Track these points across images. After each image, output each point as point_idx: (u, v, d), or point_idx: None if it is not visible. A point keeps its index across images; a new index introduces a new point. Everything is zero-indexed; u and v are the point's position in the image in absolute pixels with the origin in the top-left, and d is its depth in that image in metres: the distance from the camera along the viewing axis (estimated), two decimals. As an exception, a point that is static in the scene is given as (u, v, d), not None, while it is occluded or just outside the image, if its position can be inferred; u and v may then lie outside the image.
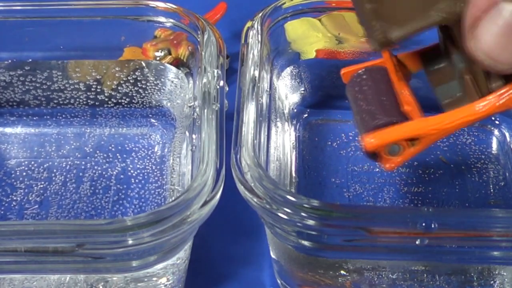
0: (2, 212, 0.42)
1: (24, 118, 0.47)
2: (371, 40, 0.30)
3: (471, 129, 0.46)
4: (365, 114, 0.34)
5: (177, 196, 0.33)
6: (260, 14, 0.42)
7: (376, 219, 0.33)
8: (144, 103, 0.47)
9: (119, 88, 0.46)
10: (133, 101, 0.47)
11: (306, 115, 0.47)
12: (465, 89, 0.32)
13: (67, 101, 0.47)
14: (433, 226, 0.32)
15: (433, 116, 0.32)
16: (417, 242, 0.33)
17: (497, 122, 0.46)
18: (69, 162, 0.45)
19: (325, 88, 0.47)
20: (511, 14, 0.23)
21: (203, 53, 0.40)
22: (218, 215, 0.35)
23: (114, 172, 0.44)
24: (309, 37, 0.45)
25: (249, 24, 0.41)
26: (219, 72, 0.39)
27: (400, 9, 0.29)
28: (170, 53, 0.45)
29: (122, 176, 0.44)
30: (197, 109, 0.38)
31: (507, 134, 0.46)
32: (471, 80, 0.32)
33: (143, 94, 0.46)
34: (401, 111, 0.34)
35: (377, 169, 0.44)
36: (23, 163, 0.45)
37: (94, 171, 0.44)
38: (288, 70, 0.45)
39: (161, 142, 0.46)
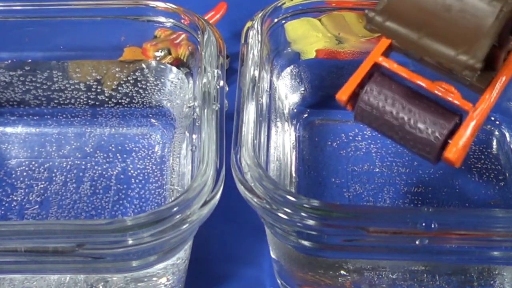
0: (2, 212, 0.42)
1: (25, 118, 0.47)
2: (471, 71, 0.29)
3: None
4: (416, 130, 0.31)
5: (177, 196, 0.33)
6: (260, 14, 0.42)
7: (376, 219, 0.33)
8: (144, 103, 0.47)
9: (119, 88, 0.46)
10: (133, 101, 0.47)
11: (306, 115, 0.47)
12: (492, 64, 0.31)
13: (68, 101, 0.47)
14: (433, 226, 0.32)
15: (481, 100, 0.31)
16: (417, 242, 0.33)
17: (497, 122, 0.46)
18: (70, 162, 0.45)
19: (325, 88, 0.47)
20: None
21: (203, 53, 0.40)
22: (218, 215, 0.35)
23: (114, 172, 0.44)
24: (309, 37, 0.45)
25: (249, 24, 0.41)
26: (219, 72, 0.39)
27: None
28: (170, 53, 0.45)
29: (122, 176, 0.44)
30: (197, 109, 0.38)
31: (507, 134, 0.46)
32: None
33: (143, 94, 0.46)
34: (440, 105, 0.31)
35: (377, 169, 0.44)
36: (23, 163, 0.45)
37: (94, 171, 0.44)
38: (288, 70, 0.45)
39: (161, 142, 0.46)
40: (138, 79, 0.46)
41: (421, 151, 0.32)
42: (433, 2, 0.29)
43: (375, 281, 0.38)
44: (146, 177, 0.44)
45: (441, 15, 0.29)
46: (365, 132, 0.46)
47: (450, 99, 0.32)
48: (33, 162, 0.45)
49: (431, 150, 0.32)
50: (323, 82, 0.47)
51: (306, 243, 0.34)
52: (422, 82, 0.32)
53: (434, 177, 0.44)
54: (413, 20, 0.29)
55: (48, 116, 0.47)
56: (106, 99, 0.47)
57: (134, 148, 0.46)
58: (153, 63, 0.45)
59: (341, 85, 0.36)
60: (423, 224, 0.32)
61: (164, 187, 0.43)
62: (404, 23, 0.29)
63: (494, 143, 0.46)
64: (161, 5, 0.43)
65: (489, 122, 0.46)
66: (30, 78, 0.46)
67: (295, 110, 0.46)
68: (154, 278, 0.37)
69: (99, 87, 0.46)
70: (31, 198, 0.43)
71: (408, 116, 0.32)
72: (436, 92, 0.32)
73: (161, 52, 0.45)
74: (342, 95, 0.33)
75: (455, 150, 0.31)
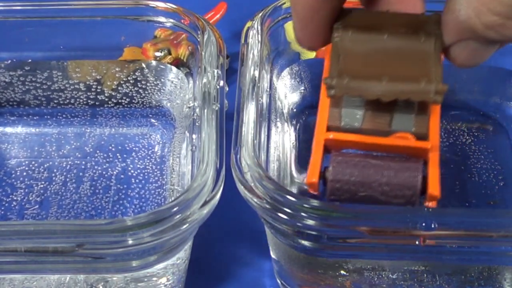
0: (2, 212, 0.42)
1: (25, 118, 0.47)
2: None
3: (471, 129, 0.46)
4: (394, 181, 0.32)
5: (177, 196, 0.33)
6: (260, 14, 0.42)
7: (376, 219, 0.33)
8: (144, 103, 0.47)
9: (119, 88, 0.46)
10: (133, 101, 0.47)
11: (306, 115, 0.47)
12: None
13: (68, 101, 0.47)
14: (433, 226, 0.32)
15: (431, 135, 0.33)
16: (417, 242, 0.33)
17: (497, 122, 0.46)
18: (69, 162, 0.45)
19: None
20: (474, 44, 0.29)
21: (203, 53, 0.40)
22: (218, 215, 0.35)
23: (114, 172, 0.44)
24: (309, 37, 0.45)
25: (249, 24, 0.41)
26: (219, 72, 0.39)
27: None
28: (170, 53, 0.45)
29: (122, 176, 0.44)
30: (197, 109, 0.38)
31: (507, 134, 0.46)
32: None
33: (143, 94, 0.46)
34: (401, 155, 0.33)
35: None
36: (23, 163, 0.45)
37: (94, 171, 0.44)
38: (288, 69, 0.45)
39: (161, 142, 0.46)
40: (138, 79, 0.46)
41: (401, 199, 0.33)
42: (379, 53, 0.32)
43: (375, 281, 0.38)
44: (146, 177, 0.44)
45: (390, 62, 0.32)
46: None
47: (408, 144, 0.33)
48: (33, 162, 0.45)
49: (414, 194, 0.33)
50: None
51: (306, 243, 0.34)
52: (377, 140, 0.33)
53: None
54: (370, 72, 0.31)
55: (48, 116, 0.47)
56: (106, 99, 0.47)
57: (134, 148, 0.46)
58: (153, 63, 0.45)
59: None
60: (423, 224, 0.32)
61: (164, 187, 0.43)
62: (364, 78, 0.31)
63: (494, 143, 0.46)
64: (161, 5, 0.43)
65: (489, 122, 0.46)
66: (30, 78, 0.46)
67: (295, 110, 0.46)
68: (154, 278, 0.37)
69: (99, 87, 0.46)
70: (31, 198, 0.43)
71: (381, 172, 0.33)
72: (393, 143, 0.33)
73: (161, 52, 0.45)
74: (312, 178, 0.33)
75: (436, 186, 0.32)
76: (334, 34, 0.33)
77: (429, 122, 0.34)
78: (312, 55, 0.46)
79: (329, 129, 0.34)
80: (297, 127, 0.46)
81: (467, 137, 0.46)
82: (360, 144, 0.34)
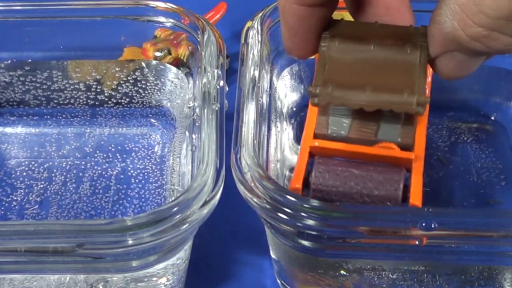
0: (2, 212, 0.42)
1: (24, 118, 0.47)
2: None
3: (471, 128, 0.46)
4: (374, 192, 0.34)
5: (177, 196, 0.33)
6: (260, 14, 0.42)
7: (376, 219, 0.33)
8: (144, 103, 0.47)
9: (119, 88, 0.46)
10: (133, 101, 0.47)
11: (306, 114, 0.46)
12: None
13: (67, 101, 0.47)
14: (433, 226, 0.32)
15: (416, 145, 0.35)
16: (417, 242, 0.33)
17: (497, 122, 0.46)
18: (69, 162, 0.45)
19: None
20: (460, 56, 0.29)
21: (203, 53, 0.40)
22: (218, 215, 0.35)
23: (114, 172, 0.44)
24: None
25: (249, 24, 0.41)
26: (219, 72, 0.39)
27: None
28: (170, 53, 0.45)
29: (122, 176, 0.44)
30: (197, 109, 0.38)
31: (507, 133, 0.46)
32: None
33: (143, 94, 0.46)
34: (384, 164, 0.34)
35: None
36: (23, 163, 0.45)
37: (94, 171, 0.44)
38: (288, 69, 0.45)
39: (161, 142, 0.46)
40: (138, 79, 0.46)
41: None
42: (365, 63, 0.33)
43: (375, 281, 0.38)
44: (146, 177, 0.44)
45: (375, 72, 0.32)
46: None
47: (392, 154, 0.34)
48: (33, 162, 0.45)
49: (395, 203, 0.34)
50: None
51: (306, 243, 0.34)
52: (361, 149, 0.35)
53: (434, 177, 0.44)
54: (355, 82, 0.32)
55: (48, 116, 0.47)
56: (106, 99, 0.47)
57: (134, 148, 0.46)
58: (153, 63, 0.45)
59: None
60: (423, 224, 0.32)
61: (164, 187, 0.43)
62: (348, 87, 0.32)
63: (494, 142, 0.46)
64: (161, 5, 0.43)
65: (489, 122, 0.46)
66: (30, 78, 0.46)
67: (295, 110, 0.46)
68: (154, 278, 0.37)
69: (98, 87, 0.46)
70: (31, 198, 0.43)
71: (362, 183, 0.34)
72: (378, 152, 0.34)
73: (161, 52, 0.45)
74: (296, 183, 0.34)
75: (418, 196, 0.34)
76: (321, 43, 0.33)
77: (415, 133, 0.35)
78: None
79: (316, 136, 0.36)
80: (297, 127, 0.46)
81: (467, 137, 0.46)
82: (345, 152, 0.35)
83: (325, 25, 0.33)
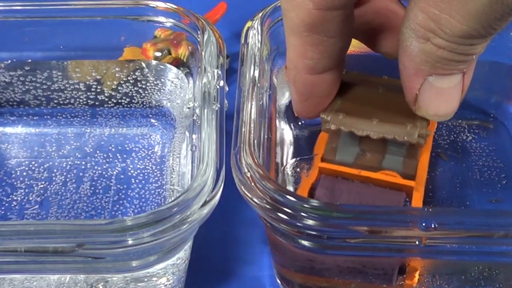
0: (2, 212, 0.42)
1: (24, 118, 0.47)
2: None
3: (472, 126, 0.46)
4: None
5: (177, 196, 0.33)
6: (260, 14, 0.42)
7: (376, 219, 0.33)
8: (144, 103, 0.47)
9: (119, 88, 0.46)
10: (133, 101, 0.47)
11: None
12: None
13: (67, 101, 0.47)
14: (433, 226, 0.32)
15: (417, 176, 0.38)
16: (417, 242, 0.33)
17: (498, 120, 0.46)
18: (69, 162, 0.45)
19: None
20: (436, 81, 0.30)
21: (203, 53, 0.40)
22: (218, 215, 0.35)
23: (114, 172, 0.44)
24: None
25: (249, 24, 0.41)
26: (219, 72, 0.39)
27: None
28: (170, 53, 0.45)
29: (122, 176, 0.44)
30: (197, 109, 0.38)
31: (508, 132, 0.46)
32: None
33: (143, 94, 0.46)
34: (384, 188, 0.37)
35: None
36: (23, 163, 0.45)
37: (94, 171, 0.44)
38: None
39: (161, 142, 0.46)
40: (138, 79, 0.46)
41: None
42: (373, 101, 0.36)
43: (375, 281, 0.38)
44: (146, 177, 0.44)
45: (382, 109, 0.36)
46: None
47: (394, 181, 0.37)
48: (33, 162, 0.45)
49: None
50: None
51: (306, 243, 0.34)
52: (367, 174, 0.37)
53: (434, 176, 0.44)
54: (363, 114, 0.35)
55: (48, 116, 0.47)
56: (106, 99, 0.47)
57: (134, 148, 0.46)
58: (153, 63, 0.45)
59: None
60: (423, 224, 0.32)
61: (164, 187, 0.43)
62: (357, 117, 0.35)
63: (496, 140, 0.46)
64: (161, 5, 0.43)
65: (490, 120, 0.46)
66: (30, 78, 0.46)
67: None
68: (154, 278, 0.37)
69: (98, 87, 0.46)
70: (31, 198, 0.43)
71: (365, 203, 0.37)
72: (381, 178, 0.37)
73: (161, 52, 0.45)
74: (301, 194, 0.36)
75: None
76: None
77: (417, 164, 0.38)
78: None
79: (323, 160, 0.39)
80: (297, 127, 0.46)
81: (468, 135, 0.46)
82: (350, 174, 0.38)
83: (335, 90, 0.35)
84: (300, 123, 0.46)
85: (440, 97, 0.30)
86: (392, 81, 0.38)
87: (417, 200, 0.37)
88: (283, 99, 0.46)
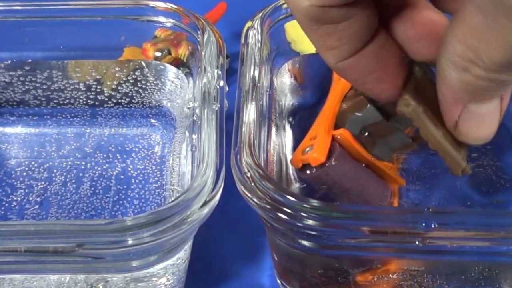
0: (2, 212, 0.42)
1: (24, 118, 0.47)
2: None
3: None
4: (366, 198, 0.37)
5: (177, 196, 0.33)
6: (260, 14, 0.42)
7: (376, 219, 0.33)
8: (144, 103, 0.47)
9: (119, 88, 0.46)
10: (133, 101, 0.47)
11: (306, 114, 0.46)
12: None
13: (67, 101, 0.47)
14: (433, 226, 0.32)
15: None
16: (417, 242, 0.33)
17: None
18: (69, 162, 0.45)
19: (325, 87, 0.47)
20: (476, 108, 0.30)
21: (203, 53, 0.40)
22: (218, 215, 0.35)
23: (114, 172, 0.44)
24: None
25: (249, 24, 0.41)
26: (219, 72, 0.39)
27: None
28: (170, 53, 0.45)
29: (122, 176, 0.44)
30: (197, 109, 0.38)
31: (508, 132, 0.46)
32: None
33: (143, 94, 0.46)
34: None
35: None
36: (23, 163, 0.45)
37: (94, 171, 0.44)
38: (288, 69, 0.45)
39: (161, 142, 0.46)
40: (138, 79, 0.46)
41: None
42: (436, 103, 0.34)
43: (375, 281, 0.38)
44: (146, 177, 0.44)
45: (442, 124, 0.34)
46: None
47: (390, 173, 0.38)
48: (33, 162, 0.45)
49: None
50: (323, 81, 0.47)
51: (306, 243, 0.34)
52: (370, 158, 0.38)
53: (434, 175, 0.44)
54: (433, 116, 0.34)
55: (48, 116, 0.47)
56: (106, 99, 0.47)
57: (134, 149, 0.46)
58: (153, 63, 0.45)
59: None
60: (423, 224, 0.32)
61: (164, 187, 0.43)
62: (430, 119, 0.34)
63: (496, 141, 0.46)
64: (161, 5, 0.43)
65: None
66: (30, 78, 0.46)
67: (295, 110, 0.46)
68: (154, 278, 0.37)
69: (98, 87, 0.46)
70: (31, 198, 0.43)
71: (358, 187, 0.37)
72: (381, 166, 0.38)
73: (161, 52, 0.45)
74: (320, 156, 0.36)
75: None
76: (416, 68, 0.35)
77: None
78: (306, 47, 0.45)
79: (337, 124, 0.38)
80: (297, 127, 0.46)
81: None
82: (362, 156, 0.37)
83: (385, 56, 0.33)
84: (300, 123, 0.46)
85: (479, 122, 0.31)
86: None
87: (396, 195, 0.38)
88: (283, 99, 0.46)
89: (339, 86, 0.39)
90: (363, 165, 0.38)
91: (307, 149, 0.37)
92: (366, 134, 0.38)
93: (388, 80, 0.33)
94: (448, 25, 0.28)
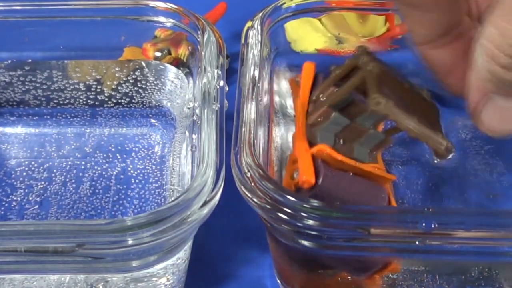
0: (2, 212, 0.42)
1: (24, 118, 0.47)
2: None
3: (471, 125, 0.46)
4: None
5: (177, 196, 0.33)
6: (260, 14, 0.42)
7: (376, 219, 0.33)
8: (144, 103, 0.47)
9: (119, 88, 0.46)
10: (133, 101, 0.47)
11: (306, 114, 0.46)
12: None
13: (67, 101, 0.47)
14: (433, 226, 0.32)
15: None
16: (417, 242, 0.33)
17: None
18: (69, 162, 0.45)
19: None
20: (500, 100, 0.29)
21: (203, 53, 0.40)
22: (218, 215, 0.35)
23: (114, 172, 0.44)
24: (309, 37, 0.45)
25: (249, 24, 0.41)
26: (219, 72, 0.39)
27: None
28: (170, 53, 0.45)
29: (122, 176, 0.44)
30: (197, 109, 0.38)
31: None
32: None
33: (143, 94, 0.46)
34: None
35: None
36: (23, 163, 0.45)
37: (94, 171, 0.44)
38: (288, 69, 0.45)
39: (161, 142, 0.46)
40: (138, 78, 0.46)
41: None
42: (405, 101, 0.36)
43: (375, 281, 0.38)
44: (146, 177, 0.44)
45: (414, 110, 0.36)
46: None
47: (380, 174, 0.38)
48: (33, 162, 0.45)
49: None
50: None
51: (306, 243, 0.34)
52: (361, 166, 0.38)
53: (434, 174, 0.44)
54: (404, 106, 0.35)
55: (48, 116, 0.47)
56: (106, 99, 0.47)
57: (134, 148, 0.46)
58: (153, 63, 0.45)
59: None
60: (423, 224, 0.32)
61: (164, 187, 0.43)
62: (401, 110, 0.35)
63: (495, 139, 0.46)
64: (161, 5, 0.43)
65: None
66: (30, 78, 0.46)
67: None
68: (154, 278, 0.37)
69: (98, 87, 0.46)
70: (30, 198, 0.43)
71: (354, 196, 0.37)
72: (368, 169, 0.38)
73: (161, 52, 0.45)
74: (309, 177, 0.36)
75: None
76: (369, 63, 0.36)
77: (378, 157, 0.40)
78: (306, 47, 0.45)
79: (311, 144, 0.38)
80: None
81: (467, 132, 0.46)
82: (347, 165, 0.37)
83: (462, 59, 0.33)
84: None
85: (502, 115, 0.30)
86: (414, 86, 0.38)
87: (391, 193, 0.38)
88: (283, 99, 0.46)
89: (298, 104, 0.40)
90: (351, 173, 0.37)
91: (295, 174, 0.37)
92: (341, 141, 0.38)
93: (462, 77, 0.32)
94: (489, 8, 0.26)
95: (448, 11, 0.31)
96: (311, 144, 0.37)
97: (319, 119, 0.38)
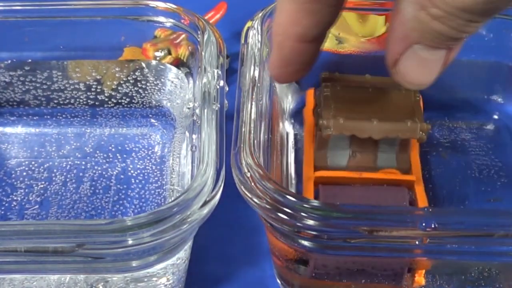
0: (2, 212, 0.42)
1: (24, 118, 0.47)
2: None
3: (472, 125, 0.46)
4: None
5: (177, 196, 0.33)
6: (260, 14, 0.42)
7: (376, 219, 0.33)
8: (144, 103, 0.47)
9: (119, 88, 0.46)
10: (133, 101, 0.47)
11: (306, 114, 0.46)
12: None
13: (67, 101, 0.47)
14: (433, 226, 0.32)
15: (413, 169, 0.39)
16: (417, 242, 0.33)
17: (498, 119, 0.46)
18: (69, 162, 0.45)
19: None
20: (421, 50, 0.29)
21: (203, 53, 0.40)
22: (218, 215, 0.35)
23: (114, 172, 0.44)
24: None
25: (249, 24, 0.41)
26: (219, 72, 0.39)
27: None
28: (170, 53, 0.45)
29: (122, 176, 0.44)
30: (197, 109, 0.38)
31: (508, 131, 0.46)
32: None
33: (143, 94, 0.46)
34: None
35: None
36: (23, 163, 0.45)
37: (94, 171, 0.44)
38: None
39: (161, 142, 0.46)
40: (138, 79, 0.46)
41: None
42: (366, 101, 0.37)
43: (375, 281, 0.38)
44: (146, 177, 0.44)
45: (377, 108, 0.36)
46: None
47: (395, 177, 0.38)
48: (33, 162, 0.45)
49: None
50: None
51: (306, 243, 0.34)
52: (367, 175, 0.38)
53: (434, 175, 0.44)
54: (361, 116, 0.36)
55: (48, 116, 0.47)
56: (106, 99, 0.47)
57: (134, 148, 0.46)
58: (153, 63, 0.45)
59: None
60: (423, 224, 0.32)
61: (164, 187, 0.43)
62: (357, 120, 0.36)
63: (495, 140, 0.46)
64: (161, 5, 0.43)
65: (490, 119, 0.47)
66: (30, 78, 0.46)
67: (295, 110, 0.46)
68: (154, 278, 0.37)
69: (98, 87, 0.46)
70: (31, 198, 0.43)
71: (369, 203, 0.37)
72: (381, 177, 0.38)
73: (161, 52, 0.45)
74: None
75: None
76: (324, 89, 0.38)
77: (410, 158, 0.39)
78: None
79: (316, 169, 0.39)
80: (297, 127, 0.46)
81: (468, 134, 0.46)
82: (347, 178, 0.38)
83: (315, 60, 0.34)
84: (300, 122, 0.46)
85: (420, 66, 0.30)
86: (377, 79, 0.38)
87: (421, 193, 0.38)
88: (283, 99, 0.46)
89: (307, 129, 0.41)
90: (357, 186, 0.38)
91: None
92: (357, 155, 0.38)
93: (301, 74, 0.34)
94: None
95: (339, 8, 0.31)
96: (321, 167, 0.39)
97: (320, 145, 0.39)
